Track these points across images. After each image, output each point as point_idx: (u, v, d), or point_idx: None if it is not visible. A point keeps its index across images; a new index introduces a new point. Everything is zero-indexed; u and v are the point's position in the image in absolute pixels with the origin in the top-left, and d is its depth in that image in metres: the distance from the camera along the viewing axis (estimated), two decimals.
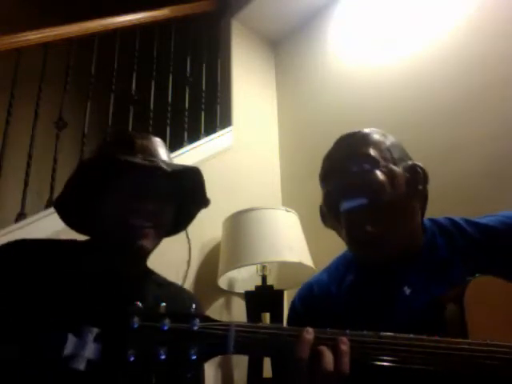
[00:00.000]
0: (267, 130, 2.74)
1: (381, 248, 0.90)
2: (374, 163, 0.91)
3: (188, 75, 2.59)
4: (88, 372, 0.83)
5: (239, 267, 1.91)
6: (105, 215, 0.97)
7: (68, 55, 2.16)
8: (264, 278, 1.95)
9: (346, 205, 0.89)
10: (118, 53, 2.35)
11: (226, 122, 2.54)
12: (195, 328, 0.63)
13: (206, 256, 2.11)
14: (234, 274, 2.01)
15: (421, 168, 0.95)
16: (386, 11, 2.40)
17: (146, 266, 1.06)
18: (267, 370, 1.86)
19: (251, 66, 2.84)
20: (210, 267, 2.05)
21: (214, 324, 0.64)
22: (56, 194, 1.04)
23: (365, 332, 0.68)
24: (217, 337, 0.63)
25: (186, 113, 2.48)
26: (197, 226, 2.12)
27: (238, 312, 2.07)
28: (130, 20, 2.38)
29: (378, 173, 0.90)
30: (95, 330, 0.86)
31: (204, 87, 2.62)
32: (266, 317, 1.87)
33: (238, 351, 0.64)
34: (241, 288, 2.04)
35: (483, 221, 0.94)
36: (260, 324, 0.66)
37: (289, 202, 2.45)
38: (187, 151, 2.26)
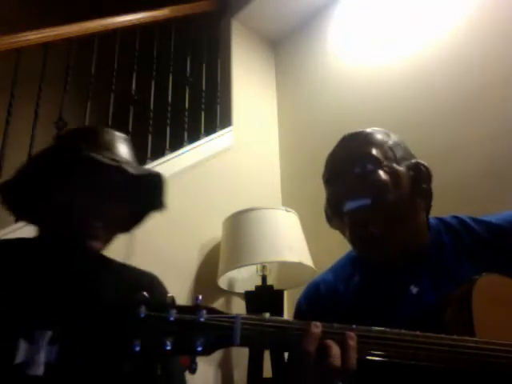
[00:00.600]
0: (267, 130, 2.74)
1: (385, 247, 0.90)
2: (377, 163, 0.91)
3: (188, 75, 2.59)
4: (49, 376, 0.80)
5: (239, 267, 1.91)
6: (55, 209, 0.91)
7: (68, 55, 2.16)
8: (264, 278, 1.95)
9: (349, 205, 0.89)
10: (118, 53, 2.35)
11: (226, 122, 2.55)
12: (202, 319, 0.62)
13: (206, 256, 2.11)
14: (234, 274, 2.01)
15: (424, 166, 0.95)
16: (386, 11, 2.40)
17: (99, 257, 1.00)
18: (267, 370, 1.86)
19: (251, 66, 2.84)
20: (209, 267, 2.05)
21: (221, 316, 0.64)
22: None
23: (372, 328, 0.68)
24: (223, 328, 0.62)
25: (186, 113, 2.48)
26: (197, 226, 2.14)
27: (238, 312, 2.06)
28: (130, 20, 2.38)
29: (381, 172, 0.90)
30: (49, 333, 0.82)
31: (204, 87, 2.62)
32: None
33: (244, 343, 0.63)
34: (241, 288, 2.04)
35: (490, 219, 0.94)
36: (267, 317, 0.66)
37: (289, 202, 2.45)
38: (187, 151, 2.26)
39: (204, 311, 0.63)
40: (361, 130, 1.00)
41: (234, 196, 2.28)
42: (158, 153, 2.20)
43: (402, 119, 2.09)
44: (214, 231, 2.12)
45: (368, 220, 0.88)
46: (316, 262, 1.92)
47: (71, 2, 3.39)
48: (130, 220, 1.03)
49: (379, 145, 0.94)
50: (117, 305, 0.81)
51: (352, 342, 0.66)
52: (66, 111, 2.06)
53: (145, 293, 0.63)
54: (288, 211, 2.01)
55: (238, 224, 1.95)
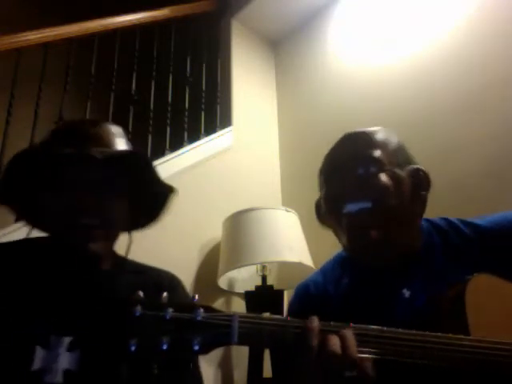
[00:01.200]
0: (267, 130, 2.74)
1: (383, 252, 0.90)
2: (380, 166, 0.90)
3: (188, 75, 2.59)
4: (68, 383, 0.78)
5: (239, 267, 1.91)
6: (47, 214, 0.87)
7: (68, 55, 2.16)
8: (264, 278, 1.95)
9: (349, 207, 0.88)
10: (118, 53, 2.35)
11: (226, 122, 2.55)
12: (199, 318, 0.62)
13: (205, 256, 2.11)
14: (234, 274, 2.01)
15: (424, 173, 0.95)
16: (386, 11, 2.40)
17: (115, 257, 0.97)
18: (267, 370, 1.86)
19: (251, 66, 2.84)
20: (210, 267, 2.05)
21: (218, 314, 0.63)
22: None
23: (368, 326, 0.68)
24: (220, 327, 0.62)
25: (186, 113, 2.48)
26: (197, 226, 2.14)
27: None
28: (129, 20, 2.38)
29: (384, 176, 0.89)
30: (67, 339, 0.80)
31: (204, 87, 2.62)
32: None
33: (242, 342, 0.62)
34: (241, 288, 2.04)
35: (479, 221, 0.94)
36: (264, 315, 0.65)
37: (289, 202, 2.45)
38: (187, 151, 2.26)
39: (201, 310, 0.62)
40: (363, 129, 0.99)
41: (234, 196, 2.28)
42: (158, 153, 2.19)
43: (402, 119, 2.09)
44: (214, 231, 2.12)
45: (368, 224, 0.87)
46: (316, 262, 1.91)
47: (71, 2, 3.39)
48: (140, 214, 0.98)
49: (382, 147, 0.93)
50: (113, 304, 0.81)
51: (349, 332, 0.66)
52: (66, 111, 2.06)
53: (141, 292, 0.62)
54: (288, 211, 2.01)
55: (238, 224, 1.95)
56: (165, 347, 0.59)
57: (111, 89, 2.27)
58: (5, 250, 0.91)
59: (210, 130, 2.49)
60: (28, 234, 0.94)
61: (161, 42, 2.56)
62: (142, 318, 0.60)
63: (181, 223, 2.06)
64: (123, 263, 0.97)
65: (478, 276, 0.80)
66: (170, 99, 2.45)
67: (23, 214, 0.95)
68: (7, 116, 1.91)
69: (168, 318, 0.61)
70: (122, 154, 0.88)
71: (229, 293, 2.09)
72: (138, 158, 0.90)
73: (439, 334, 0.70)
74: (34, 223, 0.95)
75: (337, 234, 0.95)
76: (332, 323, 0.67)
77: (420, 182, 0.93)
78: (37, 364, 0.77)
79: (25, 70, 2.00)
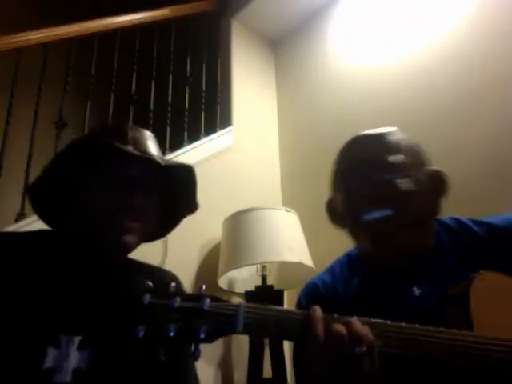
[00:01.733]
0: (267, 130, 2.74)
1: (408, 256, 0.90)
2: (403, 171, 0.89)
3: (188, 75, 2.59)
4: (78, 382, 0.79)
5: (239, 267, 1.91)
6: (87, 207, 0.88)
7: (68, 55, 2.16)
8: (264, 278, 1.95)
9: (373, 214, 0.88)
10: (118, 53, 2.35)
11: (226, 122, 2.55)
12: (205, 307, 0.63)
13: (206, 256, 2.11)
14: (234, 274, 2.01)
15: (444, 176, 0.95)
16: (386, 11, 2.40)
17: (128, 259, 0.99)
18: (267, 370, 1.86)
19: (251, 66, 2.84)
20: (210, 267, 2.05)
21: (224, 304, 0.65)
22: None
23: (372, 319, 0.69)
24: (226, 316, 0.63)
25: (186, 113, 2.48)
26: (197, 226, 2.14)
27: None
28: (129, 20, 2.38)
29: (406, 181, 0.89)
30: (77, 338, 0.81)
31: (204, 87, 2.62)
32: None
33: (247, 331, 0.64)
34: (241, 288, 2.04)
35: (490, 220, 0.94)
36: (269, 306, 0.66)
37: (289, 202, 2.45)
38: (187, 151, 2.26)
39: (208, 299, 0.64)
40: (379, 129, 0.97)
41: (234, 196, 2.28)
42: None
43: (402, 119, 2.09)
44: (214, 231, 2.12)
45: (394, 230, 0.87)
46: (316, 262, 1.92)
47: (71, 2, 3.39)
48: (165, 222, 1.01)
49: (404, 150, 0.92)
50: (122, 293, 0.82)
51: (356, 320, 0.66)
52: (66, 111, 2.06)
53: (149, 281, 0.64)
54: (288, 211, 2.01)
55: (238, 224, 1.95)
56: (172, 334, 0.61)
57: (111, 89, 2.27)
58: (16, 241, 0.90)
59: (210, 130, 2.49)
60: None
61: (161, 42, 2.56)
62: (150, 306, 0.62)
63: (181, 223, 2.05)
64: (134, 264, 1.00)
65: (485, 273, 0.80)
66: (169, 99, 2.45)
67: (55, 219, 0.95)
68: (7, 116, 1.91)
69: (175, 306, 0.63)
70: (183, 166, 0.95)
71: (229, 293, 2.09)
72: (189, 172, 0.96)
73: (442, 329, 0.71)
74: (56, 222, 0.95)
75: (354, 237, 0.96)
76: (336, 315, 0.68)
77: (439, 184, 0.94)
78: (48, 363, 0.78)
79: (25, 69, 2.00)
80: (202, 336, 0.62)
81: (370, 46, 2.42)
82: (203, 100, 2.59)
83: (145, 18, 2.45)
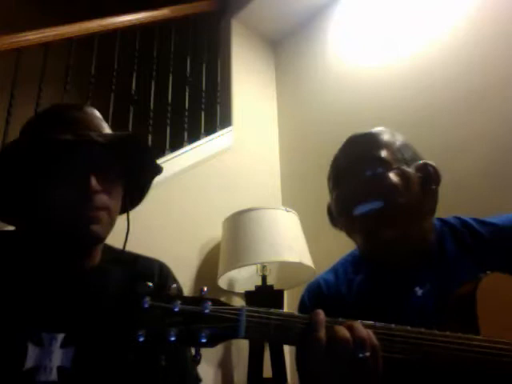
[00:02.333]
0: (267, 130, 2.74)
1: (398, 250, 0.90)
2: (387, 165, 0.91)
3: (188, 75, 2.59)
4: (63, 381, 0.76)
5: (239, 267, 1.91)
6: (45, 203, 0.82)
7: (68, 55, 2.16)
8: (264, 278, 1.95)
9: (360, 209, 0.89)
10: (118, 53, 2.35)
11: (226, 122, 2.55)
12: (207, 311, 0.62)
13: (205, 256, 2.11)
14: (234, 274, 2.01)
15: (432, 167, 0.96)
16: (386, 11, 2.40)
17: (104, 247, 0.93)
18: (267, 370, 1.86)
19: (251, 66, 2.84)
20: (209, 267, 2.05)
21: (226, 308, 0.63)
22: None
23: (377, 323, 0.69)
24: (228, 320, 0.62)
25: (186, 113, 2.48)
26: (197, 226, 2.14)
27: None
28: (129, 20, 2.38)
29: (392, 175, 0.90)
30: (60, 336, 0.78)
31: (204, 87, 2.62)
32: None
33: (249, 336, 0.63)
34: (241, 288, 2.04)
35: (493, 220, 0.94)
36: (271, 310, 0.65)
37: (289, 202, 2.44)
38: (187, 151, 2.26)
39: (209, 303, 0.63)
40: (366, 130, 0.99)
41: (234, 196, 2.28)
42: (158, 153, 2.20)
43: (402, 119, 2.09)
44: (214, 231, 2.12)
45: (380, 224, 0.88)
46: (316, 262, 1.92)
47: (71, 2, 3.39)
48: (130, 196, 0.94)
49: (388, 146, 0.94)
50: (122, 296, 0.80)
51: (355, 323, 0.66)
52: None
53: (150, 283, 0.62)
54: (288, 211, 2.01)
55: (238, 224, 1.95)
56: (172, 339, 0.59)
57: (111, 89, 2.27)
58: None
59: (210, 130, 2.49)
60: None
61: (161, 42, 2.56)
62: (150, 310, 0.61)
63: (181, 223, 2.06)
64: (114, 253, 0.95)
65: (491, 274, 0.80)
66: (169, 99, 2.45)
67: (5, 212, 0.90)
68: (7, 116, 1.91)
69: (176, 310, 0.61)
70: (122, 137, 0.86)
71: (229, 293, 2.09)
72: (136, 141, 0.89)
73: (448, 333, 0.70)
74: (11, 219, 0.91)
75: (350, 235, 0.96)
76: (340, 318, 0.68)
77: (429, 176, 0.94)
78: (29, 362, 0.75)
79: (25, 69, 2.00)
80: (203, 340, 0.60)
81: (369, 46, 2.42)
82: (203, 100, 2.58)
83: (145, 17, 2.45)
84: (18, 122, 1.94)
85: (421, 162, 0.95)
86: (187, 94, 2.52)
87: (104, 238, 0.87)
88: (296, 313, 0.69)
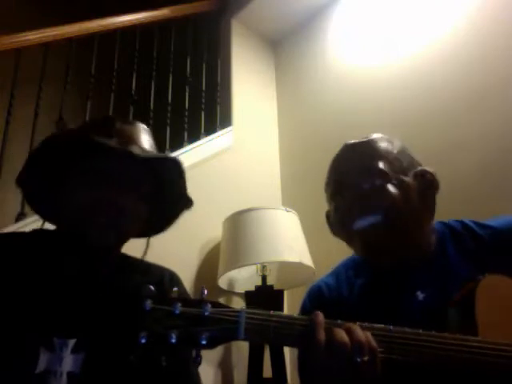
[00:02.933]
0: (267, 129, 2.74)
1: (398, 258, 0.91)
2: (386, 177, 0.90)
3: (188, 75, 2.59)
4: None
5: (239, 267, 1.91)
6: (66, 204, 0.85)
7: (68, 55, 2.16)
8: (264, 278, 1.95)
9: (359, 223, 0.89)
10: (118, 53, 2.35)
11: (226, 122, 2.55)
12: (207, 313, 0.63)
13: (205, 256, 2.11)
14: (234, 274, 2.01)
15: (430, 173, 0.95)
16: (386, 11, 2.40)
17: (120, 256, 0.95)
18: (267, 370, 1.86)
19: (251, 66, 2.84)
20: (209, 267, 2.05)
21: (226, 310, 0.64)
22: None
23: (375, 325, 0.69)
24: (228, 322, 0.63)
25: (186, 113, 2.48)
26: (197, 226, 2.14)
27: None
28: (129, 20, 2.38)
29: (390, 187, 0.89)
30: (71, 341, 0.79)
31: (204, 87, 2.62)
32: None
33: (249, 338, 0.63)
34: (241, 288, 2.04)
35: (493, 223, 0.94)
36: (271, 312, 0.66)
37: (289, 202, 2.45)
38: (187, 151, 2.26)
39: (209, 305, 0.64)
40: (362, 138, 0.98)
41: (234, 196, 2.28)
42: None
43: (402, 119, 2.09)
44: (214, 231, 2.12)
45: (380, 237, 0.88)
46: (316, 262, 1.92)
47: (71, 2, 3.39)
48: (157, 221, 0.97)
49: (386, 156, 0.93)
50: (124, 299, 0.80)
51: (354, 324, 0.66)
52: (66, 111, 2.06)
53: (151, 286, 0.63)
54: (288, 211, 2.01)
55: (238, 224, 1.95)
56: (173, 341, 0.60)
57: (111, 89, 2.27)
58: (8, 242, 0.88)
59: (210, 130, 2.49)
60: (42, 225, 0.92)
61: (161, 42, 2.56)
62: (151, 312, 0.62)
63: (181, 223, 2.05)
64: (128, 262, 0.97)
65: (489, 276, 0.80)
66: (169, 99, 2.45)
67: (38, 203, 0.93)
68: (7, 116, 1.91)
69: (177, 312, 0.62)
70: (164, 158, 0.88)
71: (229, 293, 2.09)
72: (175, 166, 0.90)
73: (446, 334, 0.70)
74: (44, 213, 0.93)
75: (351, 247, 0.96)
76: (339, 321, 0.68)
77: (427, 183, 0.94)
78: (41, 366, 0.76)
79: (25, 70, 2.00)
80: (204, 342, 0.61)
81: (369, 46, 2.42)
82: (203, 100, 2.58)
83: (145, 17, 2.45)
84: (18, 122, 1.96)
85: (419, 169, 0.95)
86: (187, 93, 2.52)
87: (112, 247, 0.88)
88: (296, 315, 0.69)
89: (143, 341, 0.59)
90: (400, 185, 0.90)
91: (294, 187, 2.52)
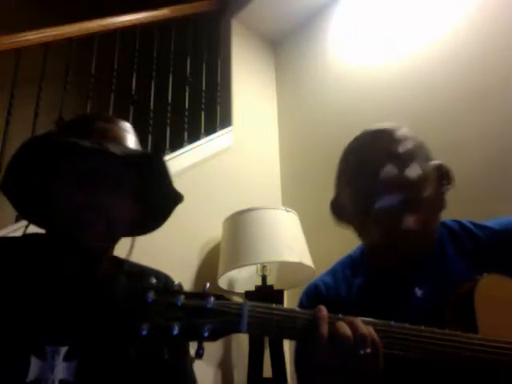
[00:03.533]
0: (267, 129, 2.74)
1: (418, 243, 0.90)
2: (410, 160, 0.91)
3: (188, 75, 2.59)
4: None
5: (239, 267, 1.91)
6: (51, 207, 0.84)
7: (68, 55, 2.16)
8: (264, 278, 1.95)
9: (382, 203, 0.89)
10: (118, 53, 2.35)
11: (226, 122, 2.55)
12: (209, 305, 0.63)
13: (205, 256, 2.11)
14: (234, 274, 2.01)
15: (447, 169, 0.97)
16: (386, 11, 2.40)
17: (112, 259, 0.94)
18: (267, 370, 1.86)
19: (251, 66, 2.84)
20: (209, 267, 2.05)
21: (228, 302, 0.64)
22: None
23: (376, 320, 0.69)
24: (230, 315, 0.63)
25: (186, 113, 2.48)
26: (197, 226, 2.14)
27: None
28: (129, 20, 2.38)
29: (413, 171, 0.90)
30: (63, 349, 0.78)
31: (204, 87, 2.62)
32: None
33: (251, 330, 0.63)
34: (241, 288, 2.04)
35: (490, 224, 0.95)
36: (273, 305, 0.66)
37: (289, 202, 2.44)
38: (187, 151, 2.26)
39: (212, 298, 0.64)
40: (383, 125, 0.99)
41: (234, 196, 2.28)
42: (162, 157, 2.19)
43: (402, 119, 2.07)
44: (214, 231, 2.12)
45: (402, 217, 0.87)
46: (316, 262, 1.92)
47: (71, 2, 3.39)
48: (151, 218, 0.96)
49: (411, 142, 0.95)
50: (126, 292, 0.80)
51: (356, 318, 0.66)
52: (66, 111, 2.06)
53: (153, 279, 0.63)
54: (288, 211, 2.01)
55: (238, 224, 1.95)
56: (175, 333, 0.60)
57: (111, 89, 2.27)
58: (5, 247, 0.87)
59: (210, 130, 2.49)
60: (25, 231, 0.91)
61: (161, 42, 2.56)
62: (154, 304, 0.61)
63: (181, 223, 2.06)
64: (121, 264, 0.95)
65: (488, 276, 0.81)
66: (169, 99, 2.45)
67: (23, 207, 0.91)
68: (7, 116, 1.91)
69: (179, 304, 0.62)
70: (143, 154, 0.86)
71: (229, 293, 2.09)
72: (156, 161, 0.88)
73: (447, 331, 0.71)
74: (33, 218, 0.92)
75: (362, 232, 0.96)
76: (340, 315, 0.68)
77: (443, 177, 0.95)
78: (31, 375, 0.75)
79: (25, 70, 2.00)
80: (206, 334, 0.61)
81: (369, 46, 2.42)
82: (203, 100, 2.59)
83: (145, 17, 2.45)
84: (18, 122, 1.96)
85: (436, 162, 0.96)
86: (187, 93, 2.52)
87: (102, 247, 0.87)
88: (298, 308, 0.69)
89: (144, 332, 0.59)
90: (421, 170, 0.91)
91: (294, 187, 2.52)
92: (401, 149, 0.92)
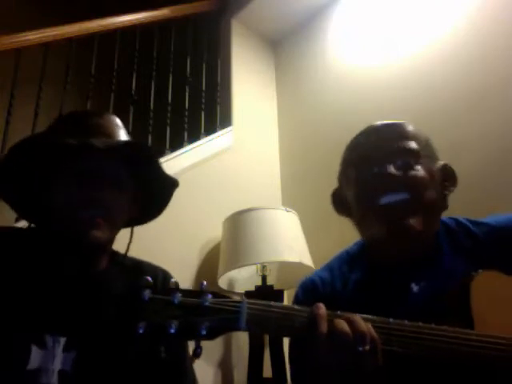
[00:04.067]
0: (267, 129, 2.74)
1: (418, 242, 0.90)
2: (416, 158, 0.91)
3: (188, 75, 2.59)
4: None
5: (239, 267, 1.91)
6: (50, 206, 0.85)
7: (68, 55, 2.16)
8: (264, 278, 1.95)
9: (387, 199, 0.88)
10: (118, 53, 2.35)
11: (226, 122, 2.55)
12: (206, 303, 0.62)
13: (205, 256, 2.11)
14: (234, 274, 2.01)
15: (452, 170, 0.97)
16: (386, 11, 2.40)
17: (112, 253, 0.95)
18: (267, 370, 1.86)
19: (251, 66, 2.84)
20: (209, 267, 2.05)
21: (226, 300, 0.64)
22: None
23: (374, 317, 0.69)
24: (229, 312, 0.62)
25: (186, 113, 2.48)
26: (197, 226, 2.14)
27: None
28: (129, 20, 2.38)
29: (420, 168, 0.90)
30: (63, 340, 0.79)
31: (204, 87, 2.62)
32: None
33: (250, 328, 0.63)
34: (241, 288, 2.04)
35: (488, 220, 0.95)
36: (272, 303, 0.66)
37: (289, 202, 2.44)
38: (187, 151, 2.26)
39: (209, 295, 0.63)
40: (391, 121, 0.99)
41: (234, 196, 2.28)
42: (160, 155, 2.20)
43: (402, 119, 2.08)
44: (214, 231, 2.12)
45: (406, 214, 0.87)
46: (316, 262, 1.91)
47: (71, 2, 3.39)
48: (141, 208, 0.96)
49: (416, 139, 0.95)
50: (123, 289, 0.80)
51: (355, 315, 0.66)
52: (66, 111, 2.05)
53: (149, 277, 0.63)
54: (288, 211, 2.01)
55: (238, 224, 1.95)
56: (172, 331, 0.59)
57: (111, 89, 2.27)
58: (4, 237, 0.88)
59: (210, 130, 2.49)
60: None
61: (161, 41, 2.56)
62: (150, 302, 0.61)
63: (181, 223, 2.06)
64: (120, 259, 0.96)
65: (484, 272, 0.81)
66: (169, 99, 2.45)
67: (18, 206, 0.92)
68: (7, 116, 1.91)
69: (176, 302, 0.61)
70: (126, 144, 0.87)
71: (229, 293, 2.09)
72: (141, 150, 0.89)
73: (445, 327, 0.71)
74: (29, 216, 0.93)
75: (363, 225, 0.95)
76: (339, 312, 0.68)
77: (448, 177, 0.95)
78: (33, 364, 0.76)
79: (25, 70, 2.00)
80: (204, 333, 0.60)
81: (369, 46, 2.42)
82: (203, 100, 2.59)
83: (145, 17, 2.45)
84: (18, 122, 1.96)
85: (441, 162, 0.97)
86: (187, 93, 2.52)
87: (103, 244, 0.87)
88: (296, 306, 0.69)
89: (141, 331, 0.58)
90: (428, 169, 0.91)
91: (294, 187, 2.52)
92: (409, 145, 0.92)
